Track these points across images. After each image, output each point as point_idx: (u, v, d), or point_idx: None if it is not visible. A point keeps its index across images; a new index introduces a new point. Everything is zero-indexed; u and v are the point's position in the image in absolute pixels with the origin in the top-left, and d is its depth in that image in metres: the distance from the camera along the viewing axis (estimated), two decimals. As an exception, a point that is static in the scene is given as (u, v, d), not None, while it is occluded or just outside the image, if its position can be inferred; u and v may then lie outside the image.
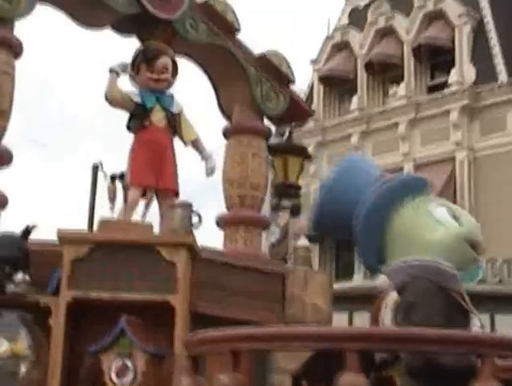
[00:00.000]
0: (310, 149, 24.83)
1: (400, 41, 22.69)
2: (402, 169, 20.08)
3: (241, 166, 5.70)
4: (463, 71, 23.16)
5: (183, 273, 4.09)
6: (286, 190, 8.25)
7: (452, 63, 22.07)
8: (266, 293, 4.66)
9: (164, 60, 5.21)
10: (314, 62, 24.84)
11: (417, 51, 21.44)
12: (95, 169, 6.78)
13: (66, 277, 4.10)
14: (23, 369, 3.95)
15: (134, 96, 5.11)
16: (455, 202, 15.56)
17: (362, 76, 23.70)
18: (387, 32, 23.23)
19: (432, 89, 21.74)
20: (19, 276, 4.09)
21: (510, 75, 23.09)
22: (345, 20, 24.26)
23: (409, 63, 22.68)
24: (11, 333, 3.96)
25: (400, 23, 22.74)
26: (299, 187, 8.44)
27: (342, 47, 23.90)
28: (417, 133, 22.59)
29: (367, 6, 23.81)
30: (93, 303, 4.13)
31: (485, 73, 22.96)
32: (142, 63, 5.16)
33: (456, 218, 3.23)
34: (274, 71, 5.86)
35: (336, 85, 23.68)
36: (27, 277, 4.11)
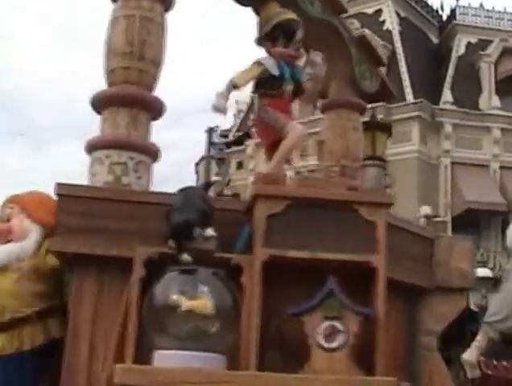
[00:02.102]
0: (249, 150, 24.34)
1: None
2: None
3: (342, 139, 4.90)
4: (378, 92, 23.01)
5: (383, 234, 3.14)
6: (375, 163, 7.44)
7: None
8: (421, 257, 3.76)
9: (300, 35, 4.35)
10: None
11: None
12: (210, 132, 5.73)
13: (261, 234, 3.06)
14: (212, 329, 2.90)
15: (272, 67, 4.22)
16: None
17: None
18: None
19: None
20: (208, 232, 3.04)
21: (416, 97, 23.16)
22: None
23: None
24: (197, 290, 2.90)
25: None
26: (385, 161, 7.68)
27: None
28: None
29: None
30: (289, 262, 3.11)
31: (396, 94, 22.88)
32: (280, 36, 4.26)
33: None
34: (370, 52, 5.09)
35: None
36: (215, 234, 3.06)
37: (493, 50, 21.67)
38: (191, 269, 2.94)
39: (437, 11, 25.46)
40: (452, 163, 21.48)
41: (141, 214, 3.25)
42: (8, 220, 3.64)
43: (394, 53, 22.78)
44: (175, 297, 2.81)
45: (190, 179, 23.11)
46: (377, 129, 7.56)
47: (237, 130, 23.92)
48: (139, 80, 3.55)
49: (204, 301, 2.82)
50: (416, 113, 21.64)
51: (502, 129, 21.37)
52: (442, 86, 22.20)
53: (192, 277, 2.93)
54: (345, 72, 4.97)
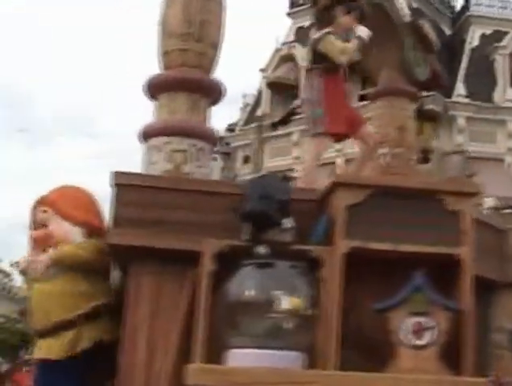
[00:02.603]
0: (256, 144, 24.19)
1: (337, 56, 22.30)
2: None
3: (395, 127, 4.75)
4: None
5: (470, 225, 2.98)
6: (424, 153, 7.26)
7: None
8: (493, 250, 3.60)
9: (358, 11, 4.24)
10: (263, 70, 24.70)
11: (350, 65, 21.05)
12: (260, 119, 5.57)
13: (341, 225, 2.89)
14: (290, 326, 2.75)
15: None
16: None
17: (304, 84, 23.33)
18: (327, 48, 22.88)
19: (363, 98, 21.38)
20: (286, 222, 2.89)
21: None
22: (292, 37, 23.80)
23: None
24: (290, 286, 2.74)
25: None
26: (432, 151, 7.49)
27: (288, 58, 23.67)
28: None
29: (310, 26, 23.37)
30: (370, 254, 2.95)
31: None
32: (342, 10, 4.14)
33: None
34: (422, 38, 4.92)
35: (282, 91, 23.41)
36: (293, 225, 2.90)
37: (509, 41, 21.40)
38: (268, 263, 2.79)
39: (450, 2, 25.29)
40: (466, 157, 21.32)
41: (205, 205, 3.08)
42: (44, 225, 3.42)
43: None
44: (276, 293, 2.65)
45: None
46: (424, 118, 7.36)
47: (245, 123, 23.74)
48: (198, 62, 3.37)
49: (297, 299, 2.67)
50: (429, 107, 21.44)
51: (517, 123, 21.21)
52: (455, 79, 21.99)
53: (269, 271, 2.78)
54: (397, 59, 4.82)
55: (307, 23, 24.01)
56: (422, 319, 2.80)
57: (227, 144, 22.99)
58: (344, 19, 4.11)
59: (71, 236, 3.36)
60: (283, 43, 23.17)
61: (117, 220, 3.05)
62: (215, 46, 3.48)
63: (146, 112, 3.74)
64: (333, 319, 2.83)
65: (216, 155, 22.47)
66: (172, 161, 3.22)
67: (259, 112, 22.68)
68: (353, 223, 2.91)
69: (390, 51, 4.77)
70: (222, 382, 2.54)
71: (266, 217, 2.78)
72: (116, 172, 3.04)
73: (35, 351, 3.42)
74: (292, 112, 4.66)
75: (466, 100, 21.55)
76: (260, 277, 2.76)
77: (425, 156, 7.35)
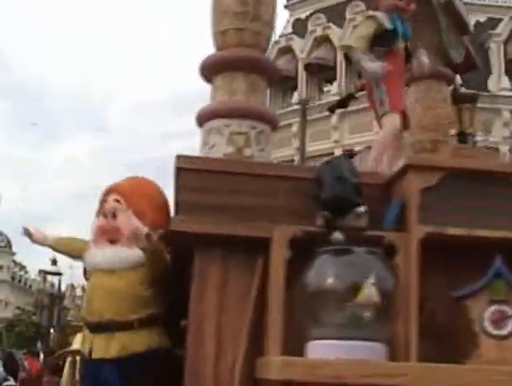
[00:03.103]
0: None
1: (334, 47, 22.39)
2: (332, 154, 19.55)
3: (432, 112, 4.58)
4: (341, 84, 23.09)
5: (548, 208, 2.79)
6: (463, 138, 7.05)
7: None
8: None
9: None
10: None
11: (348, 56, 21.09)
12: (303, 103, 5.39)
13: (416, 209, 2.71)
14: (370, 315, 2.56)
15: (385, 21, 3.93)
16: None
17: (302, 76, 23.50)
18: (324, 40, 23.10)
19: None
20: (360, 207, 2.70)
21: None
22: (289, 29, 23.65)
23: (341, 65, 22.36)
24: (369, 273, 2.55)
25: (334, 33, 22.42)
26: (472, 135, 7.28)
27: (286, 50, 23.55)
28: (347, 124, 22.06)
29: (307, 18, 23.33)
30: (444, 240, 2.76)
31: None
32: None
33: None
34: (458, 19, 4.75)
35: (281, 82, 23.26)
36: (367, 210, 2.71)
37: (503, 29, 21.12)
38: (346, 249, 2.60)
39: (443, -9, 25.01)
40: (461, 146, 21.18)
41: (272, 189, 2.89)
42: (113, 215, 3.16)
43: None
44: (356, 281, 2.46)
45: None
46: (462, 100, 7.14)
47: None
48: (255, 42, 3.16)
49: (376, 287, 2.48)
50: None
51: (512, 111, 21.03)
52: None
53: (347, 257, 2.59)
54: (434, 41, 4.65)
55: (304, 15, 23.81)
56: (502, 307, 2.62)
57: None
58: (397, 2, 3.94)
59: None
60: (281, 36, 22.96)
61: (181, 206, 2.85)
62: (270, 24, 3.27)
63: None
64: (412, 308, 2.65)
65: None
66: (233, 144, 3.01)
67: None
68: (426, 207, 2.73)
69: (427, 33, 4.60)
70: (308, 375, 2.35)
71: (346, 202, 2.59)
72: (179, 156, 2.83)
73: (82, 345, 3.21)
74: (352, 95, 4.43)
75: (461, 89, 21.39)
76: (339, 264, 2.57)
77: (462, 139, 7.13)
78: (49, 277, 25.70)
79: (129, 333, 3.06)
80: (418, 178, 2.74)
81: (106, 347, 3.04)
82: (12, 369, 12.41)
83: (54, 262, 23.02)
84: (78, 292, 26.44)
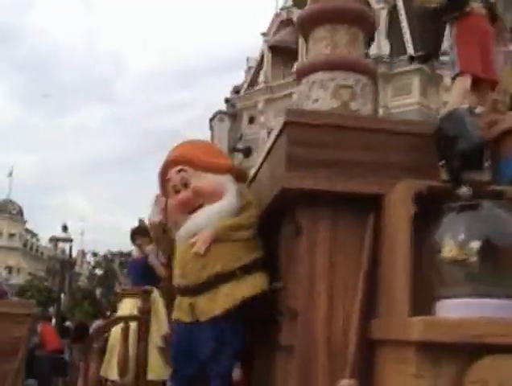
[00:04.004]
0: (260, 105, 23.63)
1: (334, 20, 21.89)
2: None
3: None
4: (380, 46, 22.82)
5: None
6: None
7: (372, 39, 21.55)
8: None
9: None
10: (264, 34, 24.28)
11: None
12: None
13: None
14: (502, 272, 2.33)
15: None
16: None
17: (303, 47, 23.15)
18: (324, 12, 22.51)
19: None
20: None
21: (416, 50, 22.59)
22: (290, 1, 23.23)
23: (340, 37, 21.87)
24: (501, 228, 2.32)
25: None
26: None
27: (288, 23, 23.17)
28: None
29: (308, -10, 22.83)
30: None
31: (397, 48, 22.65)
32: None
33: None
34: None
35: (282, 53, 23.01)
36: (489, 164, 2.48)
37: (494, 1, 20.88)
38: (475, 204, 2.36)
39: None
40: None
41: (383, 145, 2.64)
42: (185, 185, 2.90)
43: (394, 6, 22.19)
44: (488, 236, 2.22)
45: (204, 135, 22.36)
46: None
47: (249, 86, 23.02)
48: (353, -7, 2.91)
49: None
50: (417, 66, 21.14)
51: (503, 81, 20.77)
52: (442, 39, 21.56)
53: (477, 213, 2.36)
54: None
55: (304, -12, 23.38)
56: None
57: (233, 106, 22.35)
58: None
59: (222, 187, 2.87)
60: (282, 8, 22.54)
61: (290, 162, 2.59)
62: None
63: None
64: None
65: (224, 116, 21.88)
66: (338, 97, 2.73)
67: (262, 75, 22.09)
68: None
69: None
70: (451, 335, 2.13)
71: (481, 154, 2.35)
72: (288, 109, 2.56)
73: (183, 312, 2.95)
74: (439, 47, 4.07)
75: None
76: (469, 220, 2.33)
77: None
78: (60, 244, 25.42)
79: (235, 281, 2.81)
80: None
81: (212, 304, 2.80)
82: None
83: (65, 228, 22.70)
84: (88, 258, 26.23)
